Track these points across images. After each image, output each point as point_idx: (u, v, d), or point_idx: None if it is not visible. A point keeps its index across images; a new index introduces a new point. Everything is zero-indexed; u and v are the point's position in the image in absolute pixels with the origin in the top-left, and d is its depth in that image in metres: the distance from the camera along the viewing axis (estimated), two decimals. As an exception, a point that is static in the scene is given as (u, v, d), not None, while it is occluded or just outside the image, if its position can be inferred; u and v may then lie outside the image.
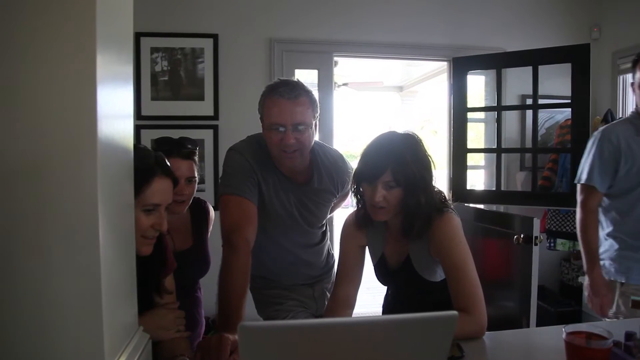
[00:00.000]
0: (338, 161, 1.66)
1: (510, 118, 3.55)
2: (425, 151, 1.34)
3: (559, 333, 1.02)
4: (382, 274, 1.51)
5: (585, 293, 1.97)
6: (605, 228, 1.94)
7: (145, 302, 1.15)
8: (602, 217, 1.96)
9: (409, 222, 1.33)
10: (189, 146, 1.65)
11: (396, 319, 0.76)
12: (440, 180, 3.41)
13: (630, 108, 3.34)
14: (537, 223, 2.10)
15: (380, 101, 10.00)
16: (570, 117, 3.09)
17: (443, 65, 3.73)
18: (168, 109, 3.09)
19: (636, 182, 1.84)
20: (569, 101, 3.00)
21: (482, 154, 3.78)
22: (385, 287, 1.61)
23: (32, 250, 0.76)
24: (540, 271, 2.12)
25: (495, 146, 3.36)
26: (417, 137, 1.35)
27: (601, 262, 1.92)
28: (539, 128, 3.27)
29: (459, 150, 3.36)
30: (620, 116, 3.29)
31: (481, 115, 3.68)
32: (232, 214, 1.43)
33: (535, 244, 2.07)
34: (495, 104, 3.36)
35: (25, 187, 0.75)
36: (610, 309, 1.89)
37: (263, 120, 1.49)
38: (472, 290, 1.26)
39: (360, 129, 10.68)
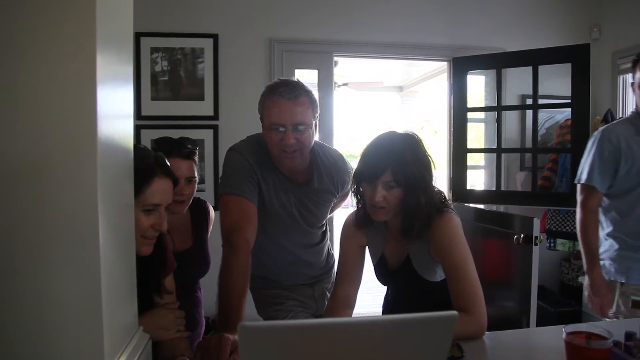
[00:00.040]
0: (338, 161, 1.66)
1: (510, 118, 3.55)
2: (425, 151, 1.34)
3: (559, 333, 1.02)
4: (382, 274, 1.51)
5: (586, 293, 1.97)
6: (605, 228, 1.95)
7: (145, 302, 1.15)
8: (602, 217, 1.96)
9: (409, 222, 1.33)
10: (189, 146, 1.65)
11: (396, 319, 0.76)
12: (440, 180, 3.41)
13: (630, 108, 3.34)
14: (537, 223, 2.10)
15: (380, 101, 10.00)
16: (570, 117, 3.09)
17: (443, 65, 3.73)
18: (168, 109, 3.09)
19: (636, 182, 1.84)
20: (569, 101, 3.00)
21: (482, 154, 3.78)
22: (385, 287, 1.61)
23: (32, 250, 0.76)
24: (540, 271, 2.12)
25: (495, 146, 3.36)
26: (417, 137, 1.35)
27: (601, 262, 1.92)
28: (539, 128, 3.27)
29: (459, 150, 3.36)
30: (621, 116, 3.29)
31: (481, 115, 3.68)
32: (232, 214, 1.43)
33: (535, 244, 2.07)
34: (495, 104, 3.36)
35: (25, 187, 0.75)
36: (610, 309, 1.89)
37: (263, 120, 1.49)
38: (472, 290, 1.26)
39: (360, 129, 10.68)
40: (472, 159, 3.94)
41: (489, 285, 1.48)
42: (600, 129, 1.96)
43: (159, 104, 3.08)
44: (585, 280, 1.97)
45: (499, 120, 3.34)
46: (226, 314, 1.26)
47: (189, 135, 1.75)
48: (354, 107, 9.66)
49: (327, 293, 1.77)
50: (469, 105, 3.38)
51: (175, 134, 1.76)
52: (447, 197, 1.42)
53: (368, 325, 0.75)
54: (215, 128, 3.14)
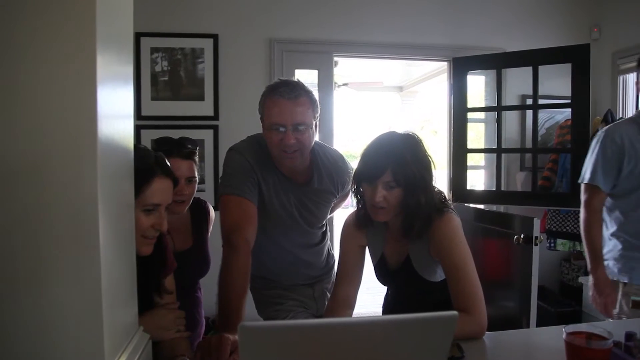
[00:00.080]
0: (338, 161, 1.66)
1: (510, 118, 3.55)
2: (426, 151, 1.34)
3: (559, 333, 1.02)
4: (382, 274, 1.51)
5: (590, 293, 1.96)
6: (609, 228, 1.94)
7: (145, 302, 1.15)
8: (606, 217, 1.96)
9: (409, 222, 1.33)
10: (189, 146, 1.65)
11: (396, 319, 0.76)
12: (440, 180, 3.41)
13: (631, 108, 3.35)
14: (537, 223, 2.09)
15: (380, 101, 10.00)
16: (570, 117, 3.10)
17: (443, 65, 3.73)
18: (168, 109, 3.09)
19: (639, 182, 1.84)
20: (569, 101, 3.00)
21: (482, 154, 3.78)
22: (385, 287, 1.61)
23: (32, 250, 0.76)
24: (540, 271, 2.12)
25: (495, 146, 3.36)
26: (417, 137, 1.35)
27: (605, 263, 1.91)
28: (539, 128, 3.27)
29: (459, 151, 3.36)
30: (621, 116, 3.30)
31: (481, 115, 3.68)
32: (232, 214, 1.43)
33: (536, 244, 2.06)
34: (495, 104, 3.36)
35: (25, 187, 0.75)
36: (614, 308, 1.88)
37: (263, 120, 1.49)
38: (472, 290, 1.26)
39: (360, 129, 10.68)
40: (472, 159, 3.94)
41: (489, 286, 1.48)
42: (605, 128, 1.96)
43: (159, 104, 3.08)
44: (589, 280, 1.96)
45: (499, 121, 3.35)
46: (226, 314, 1.26)
47: (189, 135, 1.75)
48: (354, 107, 9.66)
49: (327, 293, 1.77)
50: (469, 105, 3.38)
51: (175, 134, 1.77)
52: (447, 197, 1.42)
53: (368, 325, 0.75)
54: (215, 128, 3.14)
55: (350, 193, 1.47)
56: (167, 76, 3.10)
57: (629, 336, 1.05)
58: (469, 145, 3.40)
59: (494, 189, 3.32)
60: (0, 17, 0.74)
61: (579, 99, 2.94)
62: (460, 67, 3.32)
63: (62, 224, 0.76)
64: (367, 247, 1.51)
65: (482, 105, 3.71)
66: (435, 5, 3.42)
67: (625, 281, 1.86)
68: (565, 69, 3.00)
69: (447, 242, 1.31)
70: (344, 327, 0.75)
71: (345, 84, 6.25)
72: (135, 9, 1.04)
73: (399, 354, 0.74)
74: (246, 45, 3.18)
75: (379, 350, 0.73)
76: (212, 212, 1.88)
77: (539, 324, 2.12)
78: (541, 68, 3.04)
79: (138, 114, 3.02)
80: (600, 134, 1.94)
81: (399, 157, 1.26)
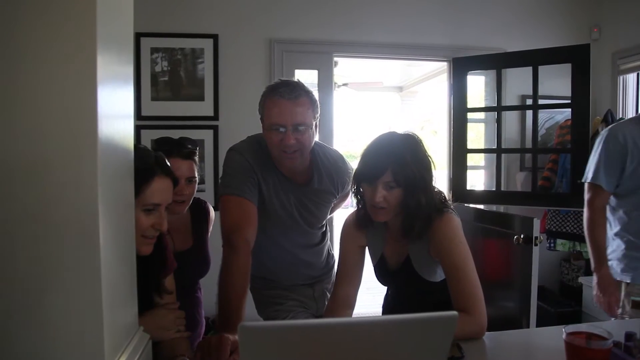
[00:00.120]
0: (338, 162, 1.66)
1: (510, 118, 3.55)
2: (426, 151, 1.34)
3: (559, 333, 1.02)
4: (382, 275, 1.51)
5: (593, 292, 1.96)
6: (613, 228, 1.94)
7: (145, 302, 1.15)
8: (610, 217, 1.96)
9: (409, 223, 1.33)
10: (189, 146, 1.65)
11: (396, 319, 0.76)
12: (440, 181, 3.41)
13: (630, 108, 3.35)
14: (537, 223, 2.10)
15: (380, 101, 9.99)
16: (570, 118, 3.10)
17: (443, 65, 3.73)
18: (168, 109, 3.09)
19: None
20: (569, 101, 3.01)
21: (482, 154, 3.78)
22: (385, 288, 1.61)
23: (32, 250, 0.76)
24: (540, 271, 2.12)
25: (495, 146, 3.36)
26: (417, 137, 1.35)
27: (609, 263, 1.91)
28: (539, 128, 3.28)
29: (459, 151, 3.36)
30: (621, 116, 3.30)
31: (481, 115, 3.68)
32: (232, 214, 1.43)
33: (535, 245, 2.07)
34: (495, 104, 3.36)
35: (26, 187, 0.75)
36: (618, 307, 1.88)
37: (263, 120, 1.49)
38: (472, 290, 1.26)
39: (360, 129, 10.67)
40: (472, 159, 3.94)
41: (489, 286, 1.48)
42: (609, 127, 1.97)
43: (159, 104, 3.08)
44: (593, 279, 1.96)
45: (499, 121, 3.35)
46: (226, 314, 1.26)
47: (189, 135, 1.75)
48: (354, 108, 9.66)
49: (327, 293, 1.77)
50: (469, 105, 3.38)
51: (175, 134, 1.77)
52: (447, 198, 1.42)
53: (368, 325, 0.75)
54: (215, 128, 3.14)
55: (350, 193, 1.47)
56: (167, 76, 3.10)
57: (629, 336, 1.05)
58: (469, 146, 3.40)
59: (494, 189, 3.32)
60: (0, 17, 0.74)
61: (579, 99, 2.94)
62: (460, 67, 3.32)
63: (62, 224, 0.76)
64: (367, 247, 1.51)
65: (482, 105, 3.71)
66: (435, 5, 3.42)
67: (628, 281, 1.86)
68: (565, 69, 3.00)
69: (447, 242, 1.31)
70: (344, 327, 0.75)
71: (345, 84, 6.25)
72: (135, 9, 1.04)
73: (399, 354, 0.74)
74: (246, 45, 3.18)
75: (379, 350, 0.73)
76: (212, 212, 1.88)
77: (539, 324, 2.12)
78: (541, 68, 3.04)
79: (138, 114, 3.02)
80: (603, 133, 1.94)
81: (399, 158, 1.26)
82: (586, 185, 1.96)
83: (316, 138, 1.56)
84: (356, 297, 1.48)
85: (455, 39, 3.43)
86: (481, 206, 3.25)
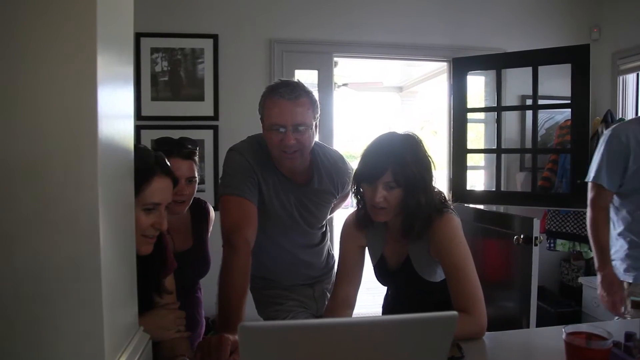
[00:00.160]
0: (338, 162, 1.66)
1: (510, 118, 3.55)
2: (426, 152, 1.34)
3: (559, 333, 1.02)
4: (382, 275, 1.51)
5: (597, 291, 1.96)
6: (616, 227, 1.95)
7: (146, 302, 1.15)
8: (613, 217, 1.96)
9: (409, 223, 1.33)
10: (189, 146, 1.65)
11: (396, 319, 0.76)
12: (440, 181, 3.42)
13: (630, 108, 3.36)
14: (537, 223, 2.10)
15: (380, 101, 10.00)
16: (570, 118, 3.10)
17: (443, 65, 3.74)
18: (168, 109, 3.09)
19: None
20: (569, 102, 3.01)
21: (482, 155, 3.78)
22: (385, 288, 1.61)
23: (32, 250, 0.76)
24: (540, 272, 2.12)
25: (495, 147, 3.36)
26: (417, 137, 1.35)
27: (612, 263, 1.91)
28: (538, 128, 3.28)
29: (458, 151, 3.36)
30: (621, 116, 3.30)
31: (481, 115, 3.68)
32: (232, 215, 1.43)
33: (535, 245, 2.06)
34: (495, 105, 3.36)
35: (25, 187, 0.75)
36: (622, 306, 1.88)
37: (263, 120, 1.49)
38: (472, 290, 1.26)
39: (360, 129, 10.67)
40: (472, 159, 3.94)
41: (489, 286, 1.48)
42: (612, 127, 1.98)
43: (159, 104, 3.08)
44: (597, 278, 1.96)
45: (498, 121, 3.35)
46: (226, 314, 1.26)
47: (189, 135, 1.75)
48: (354, 108, 9.66)
49: (327, 293, 1.77)
50: (469, 105, 3.38)
51: (175, 134, 1.77)
52: (447, 198, 1.42)
53: (368, 325, 0.75)
54: (215, 128, 3.14)
55: (350, 193, 1.47)
56: (167, 76, 3.10)
57: (629, 336, 1.05)
58: (469, 146, 3.40)
59: (494, 189, 3.32)
60: (0, 17, 0.74)
61: (579, 99, 2.94)
62: (460, 68, 3.32)
63: (62, 224, 0.76)
64: (366, 248, 1.51)
65: (482, 105, 3.71)
66: (435, 5, 3.42)
67: (630, 281, 1.86)
68: (565, 69, 3.00)
69: (447, 242, 1.31)
70: (344, 327, 0.75)
71: (345, 84, 6.26)
72: (135, 9, 1.04)
73: (399, 354, 0.74)
74: (246, 45, 3.18)
75: (379, 350, 0.73)
76: (212, 213, 1.88)
77: (538, 325, 2.12)
78: (541, 68, 3.05)
79: (138, 114, 3.02)
80: (607, 132, 1.95)
81: (399, 158, 1.27)
82: (589, 185, 1.96)
83: (316, 138, 1.56)
84: (356, 297, 1.48)
85: (455, 39, 3.43)
86: (481, 206, 3.25)
